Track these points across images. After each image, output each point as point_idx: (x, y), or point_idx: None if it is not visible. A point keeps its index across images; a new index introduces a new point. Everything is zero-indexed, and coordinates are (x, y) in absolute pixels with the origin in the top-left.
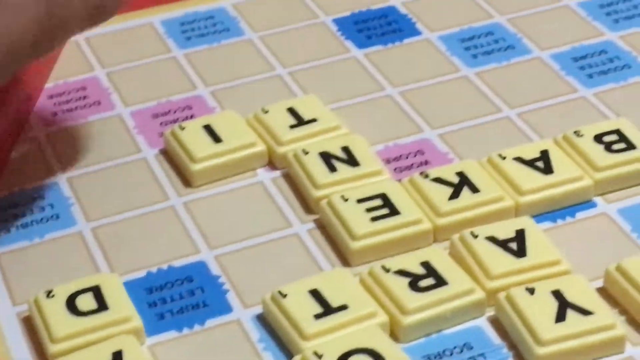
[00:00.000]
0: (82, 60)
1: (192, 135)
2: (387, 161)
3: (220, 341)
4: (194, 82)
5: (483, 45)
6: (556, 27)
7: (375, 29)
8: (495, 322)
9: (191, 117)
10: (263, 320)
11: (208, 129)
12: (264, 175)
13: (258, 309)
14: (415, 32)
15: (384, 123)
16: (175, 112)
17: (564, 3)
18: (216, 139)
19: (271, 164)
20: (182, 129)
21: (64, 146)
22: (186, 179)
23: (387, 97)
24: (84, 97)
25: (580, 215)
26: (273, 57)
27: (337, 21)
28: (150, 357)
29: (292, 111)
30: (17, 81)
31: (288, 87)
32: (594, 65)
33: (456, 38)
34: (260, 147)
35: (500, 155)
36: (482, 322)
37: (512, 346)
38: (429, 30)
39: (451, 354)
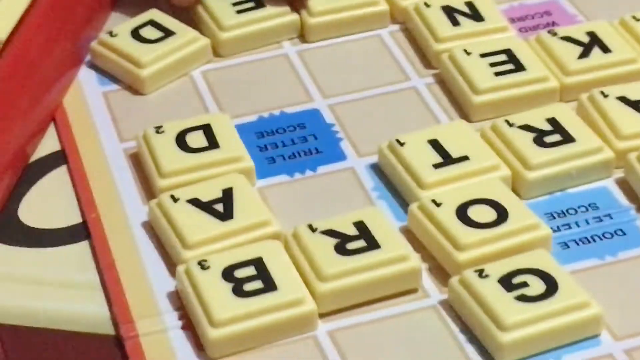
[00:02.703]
0: None
1: None
2: (512, 21)
3: (332, 188)
4: None
5: None
6: None
7: None
8: (623, 184)
9: None
10: (377, 169)
11: None
12: (383, 28)
13: (372, 159)
14: None
15: None
16: None
17: None
18: None
19: (391, 17)
20: None
21: None
22: (302, 34)
23: None
24: None
25: None
26: None
27: None
28: (260, 199)
29: None
30: None
31: None
32: None
33: None
34: (382, 7)
35: (634, 17)
36: (609, 183)
37: None
38: None
39: (576, 213)
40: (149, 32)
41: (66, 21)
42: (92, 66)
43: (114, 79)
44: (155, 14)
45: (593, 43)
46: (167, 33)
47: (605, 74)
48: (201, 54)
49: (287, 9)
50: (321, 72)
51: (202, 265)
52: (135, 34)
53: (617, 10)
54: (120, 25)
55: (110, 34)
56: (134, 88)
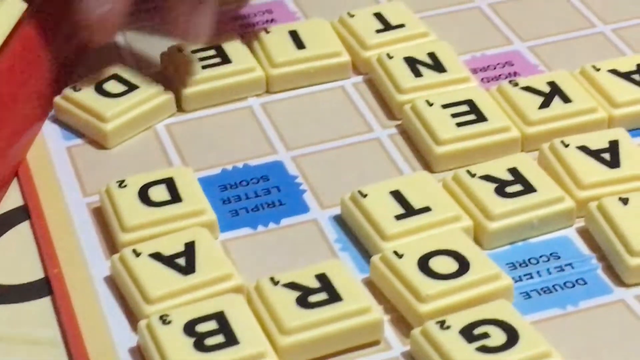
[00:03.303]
0: None
1: (277, 40)
2: (474, 71)
3: (295, 240)
4: None
5: None
6: None
7: None
8: (584, 233)
9: (271, 21)
10: (340, 221)
11: (294, 34)
12: (346, 80)
13: (335, 210)
14: None
15: (471, 34)
16: (255, 15)
17: None
18: (299, 45)
19: (354, 69)
20: (268, 32)
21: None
22: (267, 84)
23: (476, 8)
24: None
25: None
26: None
27: None
28: (223, 252)
29: (378, 16)
30: None
31: None
32: None
33: None
34: (344, 58)
35: (594, 67)
36: (570, 232)
37: (602, 257)
38: None
39: (537, 262)
40: (112, 86)
41: (30, 77)
42: (56, 121)
43: (78, 133)
44: (119, 69)
45: (554, 93)
46: (131, 87)
47: (566, 124)
48: (165, 108)
49: (253, 65)
50: (284, 124)
51: (164, 319)
52: (99, 88)
53: (578, 60)
54: (84, 80)
55: (74, 88)
56: (98, 142)
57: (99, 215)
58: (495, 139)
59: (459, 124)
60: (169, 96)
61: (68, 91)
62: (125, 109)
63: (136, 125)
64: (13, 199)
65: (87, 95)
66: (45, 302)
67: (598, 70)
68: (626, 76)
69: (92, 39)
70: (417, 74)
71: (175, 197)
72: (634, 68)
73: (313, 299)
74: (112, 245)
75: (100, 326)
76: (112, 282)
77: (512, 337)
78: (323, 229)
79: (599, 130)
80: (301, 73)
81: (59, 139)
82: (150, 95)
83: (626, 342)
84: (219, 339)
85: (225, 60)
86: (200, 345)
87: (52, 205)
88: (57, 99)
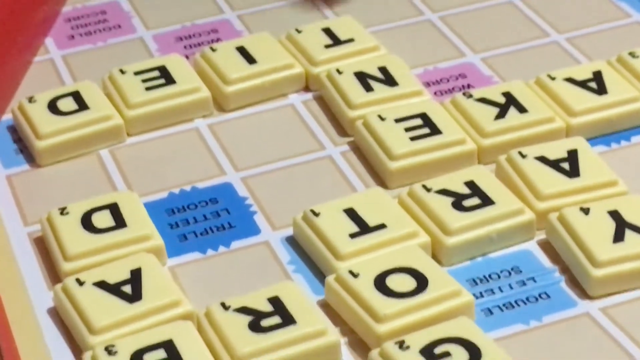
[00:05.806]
0: None
1: (225, 57)
2: (427, 84)
3: (247, 263)
4: (220, 7)
5: None
6: None
7: None
8: (546, 246)
9: (217, 40)
10: (293, 242)
11: (242, 50)
12: (295, 97)
13: (288, 231)
14: None
15: (423, 47)
16: (200, 35)
17: None
18: (250, 60)
19: (304, 86)
20: (214, 50)
21: (80, 66)
22: (217, 102)
23: (426, 21)
24: (104, 21)
25: (635, 139)
26: None
27: None
28: (171, 278)
29: (327, 32)
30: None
31: (320, 11)
32: None
33: None
34: (297, 70)
35: (549, 76)
36: (531, 246)
37: (564, 270)
38: None
39: (498, 278)
40: (65, 104)
41: None
42: None
43: (19, 159)
44: (84, 86)
45: (509, 103)
46: (82, 107)
47: (523, 135)
48: (110, 134)
49: (198, 85)
50: (233, 145)
51: (110, 350)
52: (52, 104)
53: (532, 70)
54: (43, 93)
55: (30, 99)
56: (36, 162)
57: (41, 245)
58: (451, 152)
59: (413, 138)
60: (117, 122)
61: (24, 101)
62: (64, 129)
63: (75, 147)
64: None
65: (37, 109)
66: None
67: (553, 79)
68: (582, 84)
69: None
70: (368, 88)
71: (120, 223)
72: (590, 76)
73: (266, 323)
74: (54, 275)
75: (44, 359)
76: (56, 313)
77: (475, 355)
78: (275, 251)
79: (557, 140)
80: (256, 88)
81: None
82: (95, 119)
83: (592, 355)
84: None
85: (170, 80)
86: None
87: None
88: (14, 108)
